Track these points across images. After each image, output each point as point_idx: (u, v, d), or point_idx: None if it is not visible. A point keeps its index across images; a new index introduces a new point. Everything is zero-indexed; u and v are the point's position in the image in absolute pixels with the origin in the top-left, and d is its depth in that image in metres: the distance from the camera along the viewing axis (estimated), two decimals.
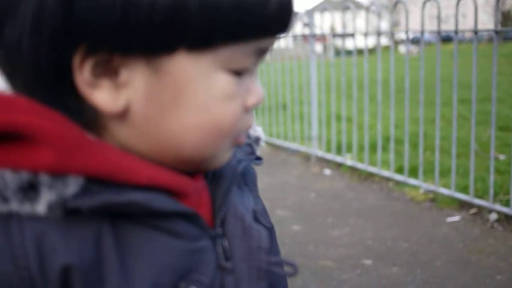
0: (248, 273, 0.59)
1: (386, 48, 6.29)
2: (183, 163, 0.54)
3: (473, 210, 4.05)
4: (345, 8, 5.04)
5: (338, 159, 5.44)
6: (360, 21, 5.01)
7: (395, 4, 4.62)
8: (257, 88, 0.55)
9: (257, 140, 0.69)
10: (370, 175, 5.02)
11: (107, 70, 0.48)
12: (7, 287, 0.45)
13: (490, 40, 25.38)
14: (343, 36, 5.29)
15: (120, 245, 0.50)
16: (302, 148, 6.01)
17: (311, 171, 5.46)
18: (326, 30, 5.86)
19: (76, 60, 0.47)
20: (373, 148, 5.22)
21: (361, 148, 5.29)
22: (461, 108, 5.17)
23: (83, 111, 0.49)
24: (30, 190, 0.45)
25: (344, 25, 5.14)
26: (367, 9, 4.90)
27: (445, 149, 5.05)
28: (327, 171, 5.37)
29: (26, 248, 0.45)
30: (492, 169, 3.88)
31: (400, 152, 5.11)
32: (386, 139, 5.23)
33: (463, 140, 5.17)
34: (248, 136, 0.68)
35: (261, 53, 0.53)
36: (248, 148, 0.67)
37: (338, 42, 6.58)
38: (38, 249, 0.46)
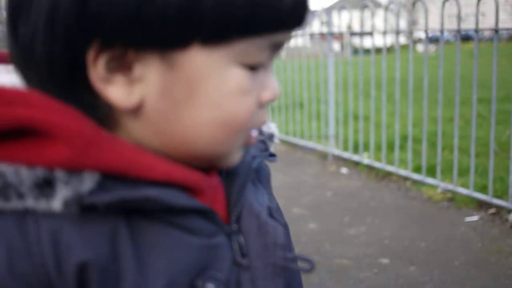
0: (264, 269, 0.59)
1: (404, 47, 6.24)
2: (196, 159, 0.54)
3: (491, 210, 4.01)
4: (363, 7, 5.02)
5: (355, 157, 5.42)
6: (378, 20, 4.98)
7: (414, 3, 4.59)
8: (272, 83, 0.55)
9: (270, 136, 0.69)
10: (387, 174, 5.00)
11: (121, 65, 0.48)
12: (24, 284, 0.45)
13: (510, 39, 25.10)
14: (361, 34, 5.26)
15: (135, 242, 0.49)
16: (319, 147, 6.00)
17: (327, 170, 5.44)
18: (344, 29, 5.83)
19: (90, 55, 0.46)
20: (390, 147, 5.19)
21: (378, 147, 5.26)
22: (480, 107, 5.12)
23: (97, 107, 0.49)
24: (45, 186, 0.45)
25: (362, 24, 5.12)
26: (385, 8, 4.86)
27: (464, 149, 5.00)
28: (344, 170, 5.35)
29: (42, 245, 0.45)
30: (511, 169, 3.84)
31: (417, 151, 5.08)
32: (404, 138, 5.20)
33: (482, 140, 5.12)
34: (262, 133, 0.68)
35: (276, 48, 0.53)
36: (262, 145, 0.67)
37: (356, 40, 6.55)
38: (54, 246, 0.46)
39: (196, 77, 0.49)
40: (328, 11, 5.79)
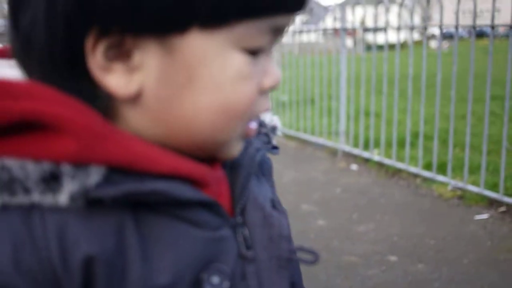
0: (269, 261, 0.59)
1: (418, 43, 6.20)
2: (197, 148, 0.53)
3: (502, 208, 3.98)
4: (378, 2, 4.98)
5: (365, 154, 5.40)
6: (391, 16, 4.95)
7: None
8: (274, 69, 0.54)
9: (273, 129, 0.68)
10: (398, 171, 4.97)
11: (120, 53, 0.47)
12: (29, 279, 0.45)
13: None
14: (375, 30, 5.23)
15: (142, 235, 0.49)
16: (329, 143, 5.98)
17: (337, 166, 5.43)
18: (357, 24, 5.80)
19: (89, 43, 0.46)
20: (401, 143, 5.16)
21: (389, 144, 5.24)
22: (493, 104, 5.08)
23: (96, 97, 0.48)
24: (52, 180, 0.45)
25: (375, 19, 5.09)
26: (400, 3, 4.82)
27: (475, 146, 4.97)
28: (354, 166, 5.34)
29: (48, 240, 0.45)
30: None
31: (428, 148, 5.05)
32: (415, 135, 5.17)
33: (494, 137, 5.08)
34: (265, 125, 0.67)
35: (277, 32, 0.51)
36: (265, 138, 0.66)
37: (369, 36, 6.52)
38: (60, 240, 0.45)
39: (195, 62, 0.48)
40: (342, 6, 5.76)
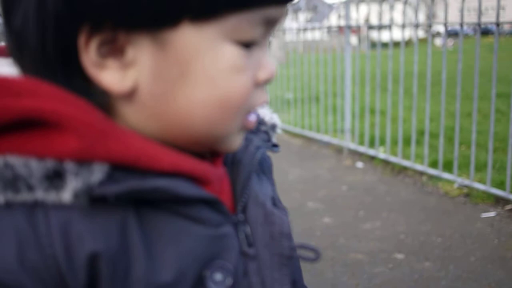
0: (270, 259, 0.59)
1: (422, 40, 6.18)
2: (195, 142, 0.53)
3: (509, 206, 3.97)
4: (382, 0, 4.97)
5: (371, 152, 5.39)
6: (395, 13, 4.93)
7: None
8: (268, 62, 0.54)
9: (273, 127, 0.68)
10: (403, 169, 4.97)
11: (113, 50, 0.47)
12: (35, 276, 0.45)
13: None
14: (379, 28, 5.22)
15: (145, 232, 0.49)
16: (335, 141, 5.98)
17: (343, 164, 5.42)
18: (362, 22, 5.79)
19: (81, 40, 0.46)
20: (406, 141, 5.16)
21: (394, 142, 5.23)
22: (499, 102, 5.06)
23: (92, 95, 0.48)
24: (55, 178, 0.45)
25: (380, 17, 5.08)
26: (404, 1, 4.81)
27: (481, 144, 4.95)
28: (359, 164, 5.33)
29: (52, 237, 0.45)
30: None
31: (434, 146, 5.04)
32: (420, 133, 5.16)
33: (500, 135, 5.07)
34: (264, 123, 0.67)
35: (270, 24, 0.51)
36: (265, 136, 0.66)
37: (374, 34, 6.50)
38: (64, 237, 0.45)
39: (188, 56, 0.48)
40: (346, 4, 5.75)
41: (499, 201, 4.07)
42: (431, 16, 4.66)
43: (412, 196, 4.34)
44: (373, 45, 6.75)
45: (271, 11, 0.50)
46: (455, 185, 4.41)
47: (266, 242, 0.59)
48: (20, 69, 0.50)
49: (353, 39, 6.69)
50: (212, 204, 0.54)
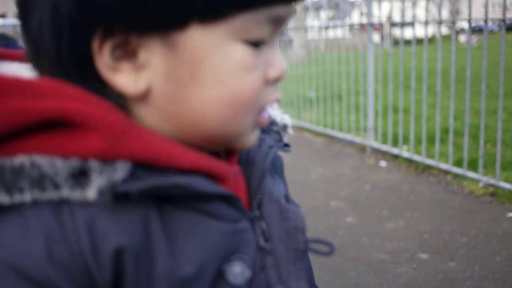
0: (286, 253, 0.61)
1: (446, 37, 6.11)
2: (210, 141, 0.55)
3: None
4: None
5: (394, 150, 5.35)
6: (418, 10, 4.89)
7: None
8: (278, 61, 0.55)
9: (284, 127, 0.70)
10: (427, 168, 4.91)
11: (126, 53, 0.49)
12: (63, 272, 0.46)
13: None
14: (402, 25, 5.18)
15: (166, 228, 0.51)
16: (358, 139, 5.94)
17: (366, 163, 5.39)
18: (384, 19, 5.74)
19: (95, 44, 0.48)
20: (430, 139, 5.10)
21: (418, 140, 5.18)
22: None
23: (108, 97, 0.50)
24: (80, 176, 0.47)
25: (402, 14, 5.03)
26: None
27: (507, 142, 4.88)
28: (383, 163, 5.29)
29: (78, 234, 0.47)
30: None
31: (459, 144, 4.98)
32: (445, 131, 5.10)
33: None
34: (276, 124, 0.69)
35: (277, 23, 0.52)
36: (277, 136, 0.68)
37: (397, 31, 6.45)
38: (90, 233, 0.47)
39: (198, 57, 0.49)
40: (368, 1, 5.71)
41: None
42: (454, 12, 4.60)
43: (436, 196, 4.29)
44: (395, 42, 6.70)
45: (277, 10, 0.51)
46: (480, 184, 4.34)
47: (281, 237, 0.61)
48: (38, 73, 0.52)
49: (376, 37, 6.65)
50: (229, 200, 0.55)
